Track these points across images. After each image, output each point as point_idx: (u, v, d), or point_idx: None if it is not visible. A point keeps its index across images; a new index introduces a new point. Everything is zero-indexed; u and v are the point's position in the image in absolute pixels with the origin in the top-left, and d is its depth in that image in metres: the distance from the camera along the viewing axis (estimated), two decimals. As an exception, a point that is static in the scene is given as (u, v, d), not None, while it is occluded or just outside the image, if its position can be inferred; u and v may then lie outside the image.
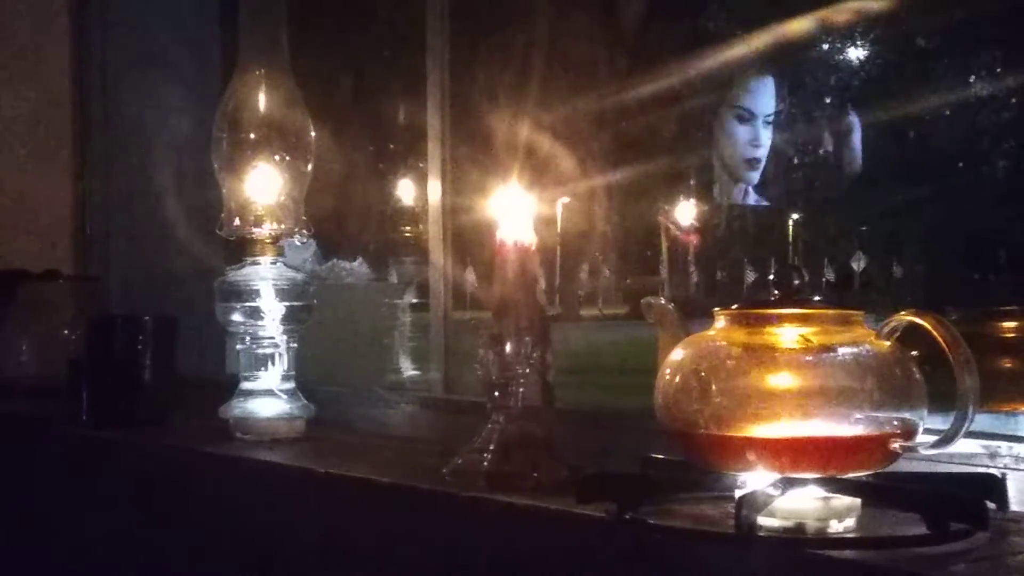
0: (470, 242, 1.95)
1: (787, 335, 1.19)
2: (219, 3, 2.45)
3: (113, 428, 1.95)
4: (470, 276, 2.09)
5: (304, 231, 1.88)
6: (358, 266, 3.15)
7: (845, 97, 2.34)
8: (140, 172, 2.49)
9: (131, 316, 2.05)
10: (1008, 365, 1.45)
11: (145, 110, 2.52)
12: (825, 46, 2.23)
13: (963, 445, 1.23)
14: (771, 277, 1.24)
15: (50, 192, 2.57)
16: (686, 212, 2.38)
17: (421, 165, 2.03)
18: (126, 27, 2.57)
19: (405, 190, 2.30)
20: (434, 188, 1.94)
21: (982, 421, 1.32)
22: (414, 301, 2.19)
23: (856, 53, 2.24)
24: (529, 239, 1.48)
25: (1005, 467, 1.30)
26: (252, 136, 1.86)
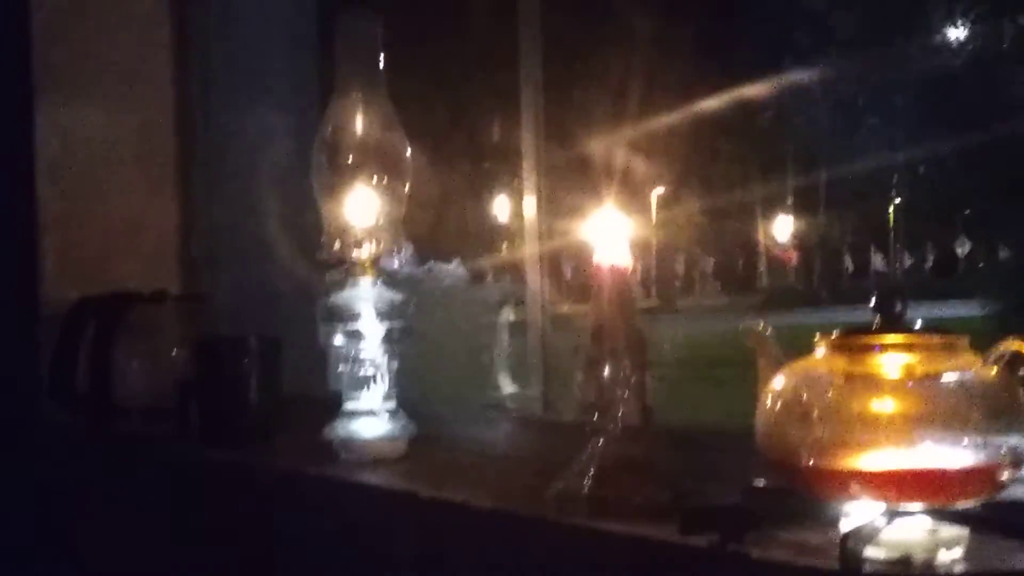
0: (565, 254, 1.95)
1: (890, 363, 1.18)
2: (318, 29, 2.49)
3: (222, 448, 2.00)
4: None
5: (403, 251, 1.90)
6: (455, 268, 3.18)
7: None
8: (243, 195, 2.54)
9: (237, 337, 2.09)
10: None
11: (247, 134, 2.58)
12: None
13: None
14: (872, 302, 1.22)
15: (156, 213, 2.65)
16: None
17: (516, 181, 2.04)
18: (227, 51, 2.63)
19: (501, 208, 2.31)
20: (530, 206, 1.95)
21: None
22: (512, 319, 2.20)
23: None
24: (625, 262, 1.49)
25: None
26: (350, 160, 1.89)
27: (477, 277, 2.76)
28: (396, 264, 1.93)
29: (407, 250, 3.07)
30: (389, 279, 1.91)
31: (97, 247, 2.59)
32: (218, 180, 2.63)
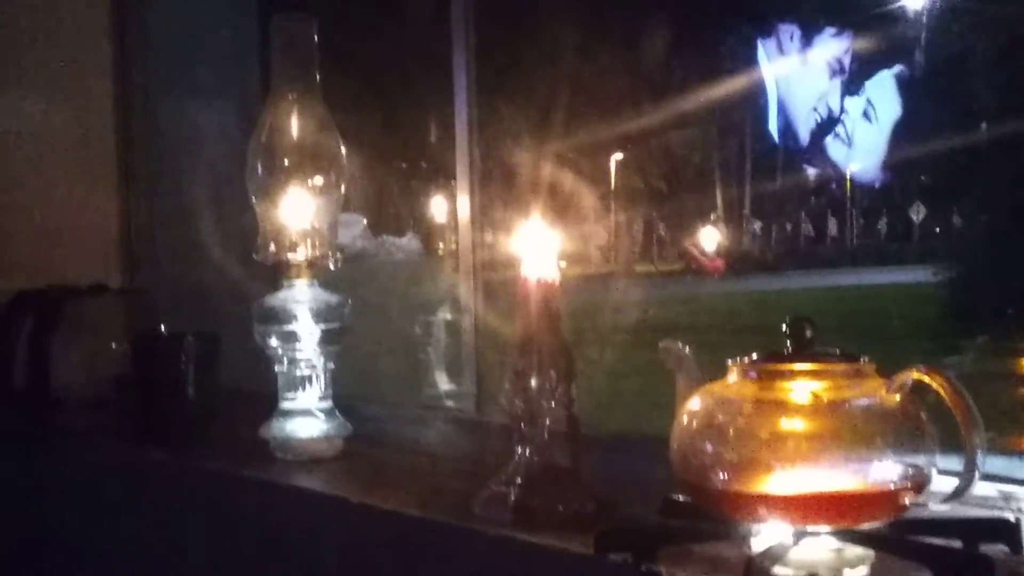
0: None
1: (799, 388, 1.21)
2: (260, 28, 2.48)
3: (157, 444, 2.01)
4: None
5: (338, 255, 1.91)
6: (408, 242, 3.20)
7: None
8: (182, 191, 2.54)
9: (175, 333, 2.10)
10: (1027, 400, 1.45)
11: (186, 132, 2.57)
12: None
13: (979, 489, 1.24)
14: (784, 328, 1.25)
15: (96, 207, 2.63)
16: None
17: (452, 183, 2.06)
18: (167, 49, 2.62)
19: (438, 209, 2.33)
20: (463, 208, 1.97)
21: (997, 464, 1.34)
22: (449, 318, 2.22)
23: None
24: (552, 275, 1.51)
25: (1020, 510, 1.31)
26: (286, 162, 1.90)
27: (431, 251, 2.79)
28: (350, 238, 1.94)
29: (361, 224, 3.09)
30: (344, 253, 1.92)
31: (35, 240, 2.57)
32: (158, 175, 2.62)
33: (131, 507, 2.01)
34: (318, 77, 1.89)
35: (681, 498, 1.34)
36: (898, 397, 1.19)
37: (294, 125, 1.90)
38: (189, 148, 2.58)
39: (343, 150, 1.90)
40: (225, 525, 1.82)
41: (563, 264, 1.50)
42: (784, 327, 1.24)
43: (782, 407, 1.20)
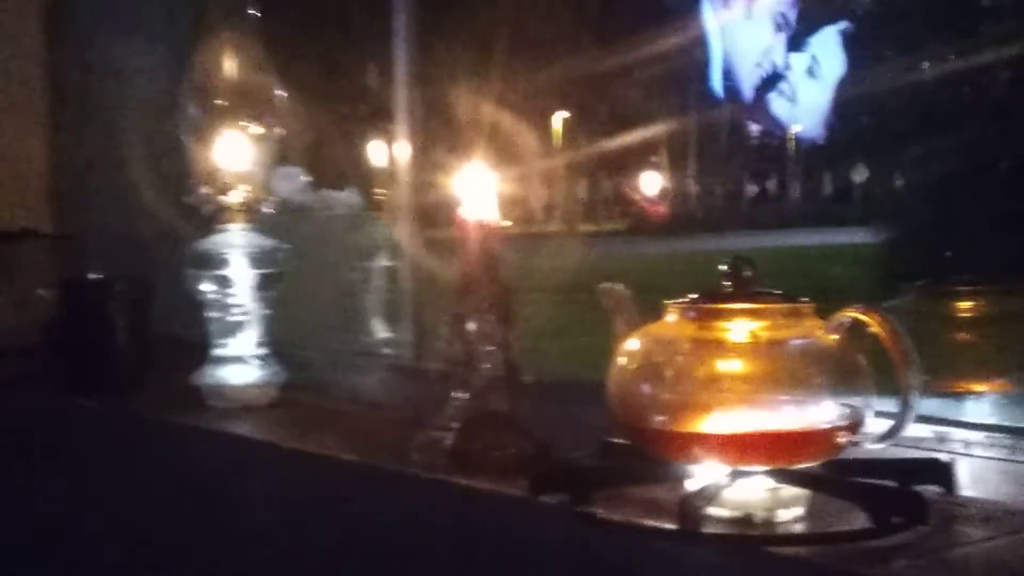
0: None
1: (737, 329, 1.20)
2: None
3: (86, 391, 1.97)
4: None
5: (272, 198, 1.88)
6: (348, 196, 3.15)
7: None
8: (113, 132, 2.48)
9: (105, 278, 2.06)
10: (962, 344, 1.46)
11: (116, 74, 2.50)
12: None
13: (913, 430, 1.24)
14: (722, 267, 1.24)
15: (25, 149, 2.56)
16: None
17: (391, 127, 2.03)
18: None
19: (377, 153, 2.29)
20: (402, 152, 1.93)
21: (932, 406, 1.35)
22: (387, 264, 2.20)
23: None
24: (492, 217, 1.49)
25: (954, 452, 1.32)
26: (220, 103, 1.85)
27: (372, 205, 2.75)
28: (289, 192, 1.91)
29: (300, 178, 3.04)
30: (280, 207, 1.89)
31: (-38, 183, 2.50)
32: (88, 118, 2.56)
33: (61, 456, 1.98)
34: (253, 15, 1.84)
35: (618, 441, 1.33)
36: (835, 337, 1.19)
37: (228, 64, 1.85)
38: (120, 90, 2.52)
39: (279, 90, 1.86)
40: (156, 473, 1.79)
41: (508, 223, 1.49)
42: (723, 267, 1.23)
43: (720, 347, 1.19)
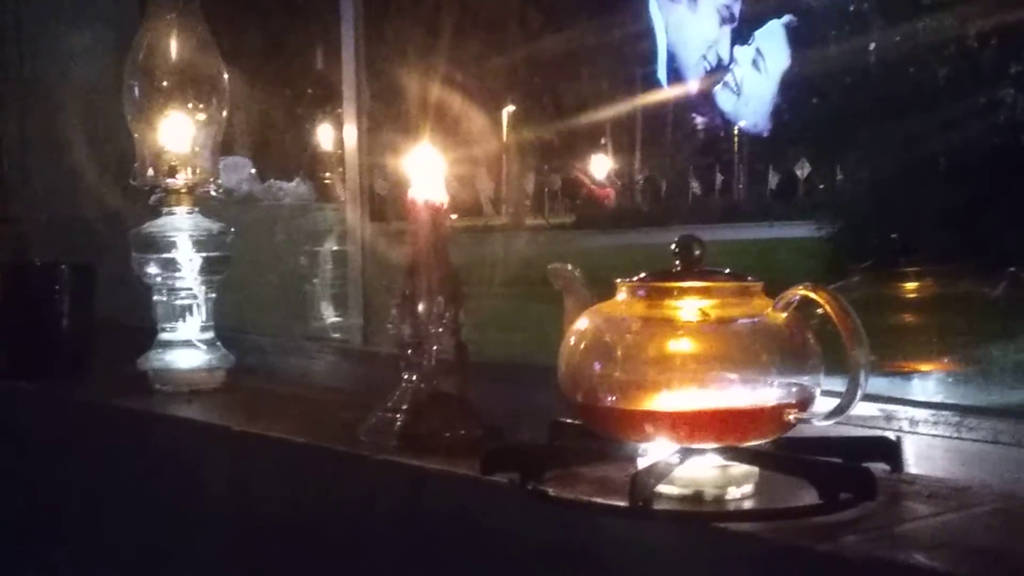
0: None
1: (687, 307, 1.20)
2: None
3: (30, 378, 1.94)
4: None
5: (218, 181, 1.86)
6: (296, 186, 3.13)
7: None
8: (55, 116, 2.44)
9: (48, 262, 2.03)
10: (908, 324, 1.48)
11: (58, 54, 2.46)
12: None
13: (861, 408, 1.25)
14: (672, 247, 1.24)
15: (-35, 133, 2.52)
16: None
17: (339, 111, 2.01)
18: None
19: (324, 136, 2.27)
20: (350, 136, 1.92)
21: (879, 384, 1.36)
22: (336, 248, 2.18)
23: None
24: (441, 198, 1.48)
25: (901, 430, 1.33)
26: (164, 84, 1.83)
27: (321, 195, 2.73)
28: (236, 182, 1.89)
29: (247, 168, 3.01)
30: (227, 196, 1.87)
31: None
32: (30, 99, 2.51)
33: (3, 441, 1.94)
34: (198, -5, 1.83)
35: (569, 421, 1.33)
36: (784, 315, 1.19)
37: (173, 45, 1.83)
38: (62, 70, 2.48)
39: (225, 72, 1.84)
40: (101, 458, 1.77)
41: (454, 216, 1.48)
42: (673, 246, 1.23)
43: (670, 325, 1.19)
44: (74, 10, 2.50)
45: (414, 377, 1.47)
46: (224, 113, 1.86)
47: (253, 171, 3.06)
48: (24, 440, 1.91)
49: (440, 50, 1.95)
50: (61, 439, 1.85)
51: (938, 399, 1.46)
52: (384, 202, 1.98)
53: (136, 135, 1.83)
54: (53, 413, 1.88)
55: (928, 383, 1.50)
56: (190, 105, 1.83)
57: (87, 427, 1.81)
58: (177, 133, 1.83)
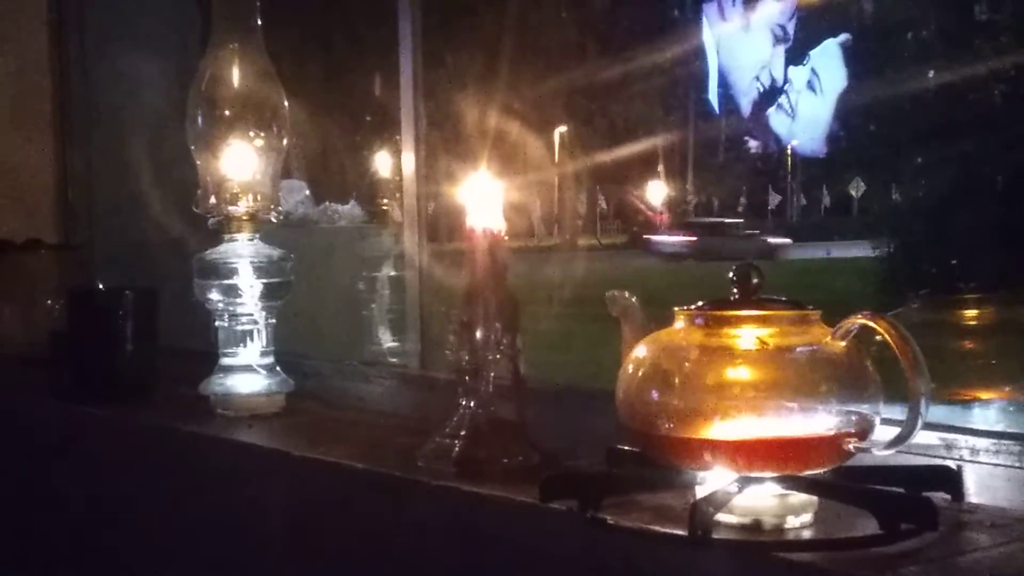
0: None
1: (745, 336, 1.20)
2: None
3: (93, 401, 1.97)
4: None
5: (279, 208, 1.89)
6: (351, 208, 3.17)
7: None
8: (120, 143, 2.49)
9: (112, 289, 2.06)
10: (968, 351, 1.47)
11: (124, 84, 2.52)
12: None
13: (921, 437, 1.25)
14: (730, 275, 1.25)
15: (32, 160, 2.57)
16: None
17: (397, 138, 2.03)
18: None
19: (382, 164, 2.30)
20: (408, 163, 1.94)
21: (939, 413, 1.35)
22: (393, 274, 2.20)
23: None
24: (498, 225, 1.49)
25: (961, 459, 1.32)
26: (226, 113, 1.86)
27: (375, 217, 2.77)
28: (292, 204, 1.91)
29: (303, 191, 3.06)
30: (283, 220, 1.89)
31: (-31, 197, 2.51)
32: (96, 128, 2.56)
33: (70, 465, 1.98)
34: (259, 25, 1.85)
35: (626, 448, 1.34)
36: (843, 344, 1.19)
37: (235, 75, 1.86)
38: (128, 100, 2.53)
39: (285, 101, 1.87)
40: (165, 481, 1.79)
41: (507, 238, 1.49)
42: (731, 274, 1.23)
43: (728, 354, 1.20)
44: (137, 39, 2.55)
45: (472, 403, 1.48)
46: (284, 141, 1.88)
47: (308, 193, 3.11)
48: (90, 464, 1.94)
49: (497, 76, 1.96)
50: (126, 463, 1.87)
51: (999, 428, 1.44)
52: (434, 219, 1.99)
53: (199, 162, 1.86)
54: (118, 437, 1.91)
55: (989, 412, 1.48)
56: (251, 133, 1.86)
57: (151, 451, 1.84)
58: (239, 161, 1.85)
